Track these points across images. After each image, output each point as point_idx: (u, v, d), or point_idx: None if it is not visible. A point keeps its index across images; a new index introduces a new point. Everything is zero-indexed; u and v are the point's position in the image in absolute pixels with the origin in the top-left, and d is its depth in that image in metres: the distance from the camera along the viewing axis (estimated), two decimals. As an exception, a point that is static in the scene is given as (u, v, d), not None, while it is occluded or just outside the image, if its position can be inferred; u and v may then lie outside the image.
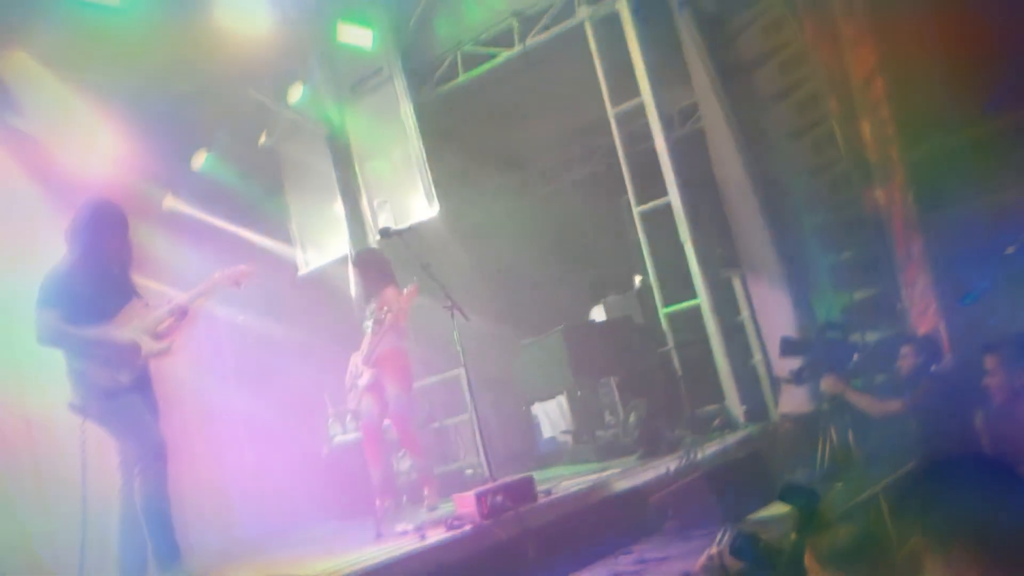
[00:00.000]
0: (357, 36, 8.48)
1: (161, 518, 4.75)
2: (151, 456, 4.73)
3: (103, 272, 4.93)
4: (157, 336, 4.97)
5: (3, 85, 7.08)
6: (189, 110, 8.29)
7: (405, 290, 6.44)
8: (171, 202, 8.73)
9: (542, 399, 8.46)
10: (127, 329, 4.86)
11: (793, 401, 6.96)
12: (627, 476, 6.29)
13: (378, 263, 6.75)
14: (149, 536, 4.73)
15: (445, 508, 6.10)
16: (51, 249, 5.18)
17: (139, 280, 5.32)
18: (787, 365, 6.28)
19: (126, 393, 4.76)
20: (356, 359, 6.69)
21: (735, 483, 5.72)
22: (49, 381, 5.21)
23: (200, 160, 8.54)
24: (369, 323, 6.57)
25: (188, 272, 8.35)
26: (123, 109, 7.67)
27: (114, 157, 7.74)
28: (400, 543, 5.24)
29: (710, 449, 6.71)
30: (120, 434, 4.79)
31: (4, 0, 6.46)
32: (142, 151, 7.87)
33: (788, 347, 6.24)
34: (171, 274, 7.87)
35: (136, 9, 6.78)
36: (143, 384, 4.92)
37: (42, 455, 6.98)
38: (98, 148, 7.75)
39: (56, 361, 4.82)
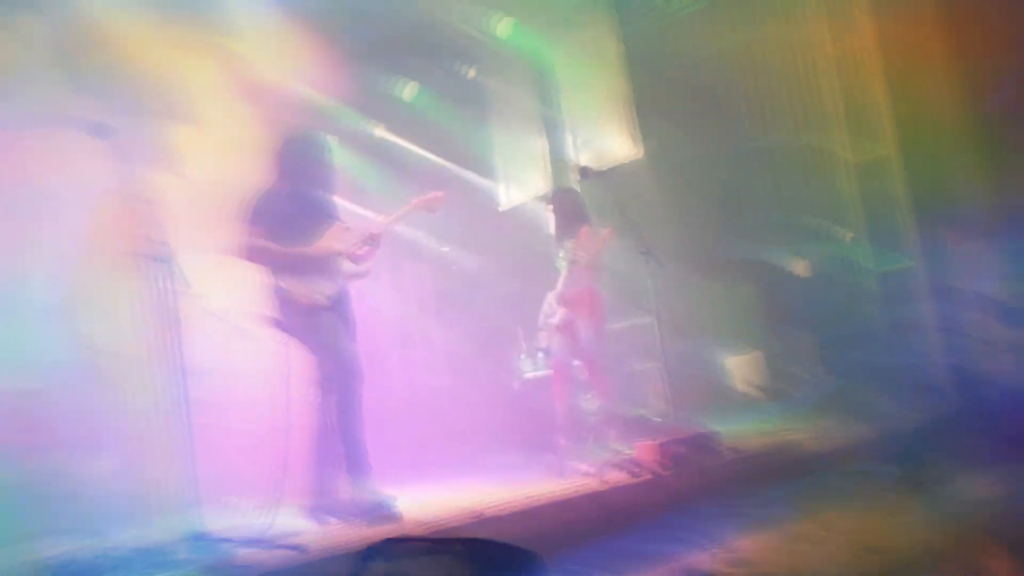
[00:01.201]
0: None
1: (355, 434, 4.92)
2: (348, 374, 4.89)
3: (305, 195, 5.09)
4: (355, 259, 5.10)
5: (220, 7, 7.41)
6: (403, 42, 8.43)
7: (602, 231, 6.39)
8: (381, 132, 8.95)
9: (735, 351, 8.22)
10: (330, 249, 5.02)
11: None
12: (819, 440, 6.01)
13: (573, 202, 6.71)
14: (343, 451, 4.90)
15: (628, 453, 5.99)
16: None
17: (342, 204, 5.45)
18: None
19: (325, 312, 4.93)
20: (550, 298, 6.69)
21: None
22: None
23: (410, 91, 8.67)
24: (563, 262, 6.55)
25: (392, 199, 8.62)
26: (338, 38, 7.89)
27: (325, 84, 8.01)
28: (580, 483, 5.24)
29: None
30: (319, 351, 4.96)
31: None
32: (354, 79, 8.10)
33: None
34: (375, 201, 8.11)
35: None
36: (342, 304, 5.07)
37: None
38: (310, 75, 8.03)
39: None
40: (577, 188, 7.37)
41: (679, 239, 8.68)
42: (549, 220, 6.89)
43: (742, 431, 6.88)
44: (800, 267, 8.71)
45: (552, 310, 6.65)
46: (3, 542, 5.62)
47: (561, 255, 6.65)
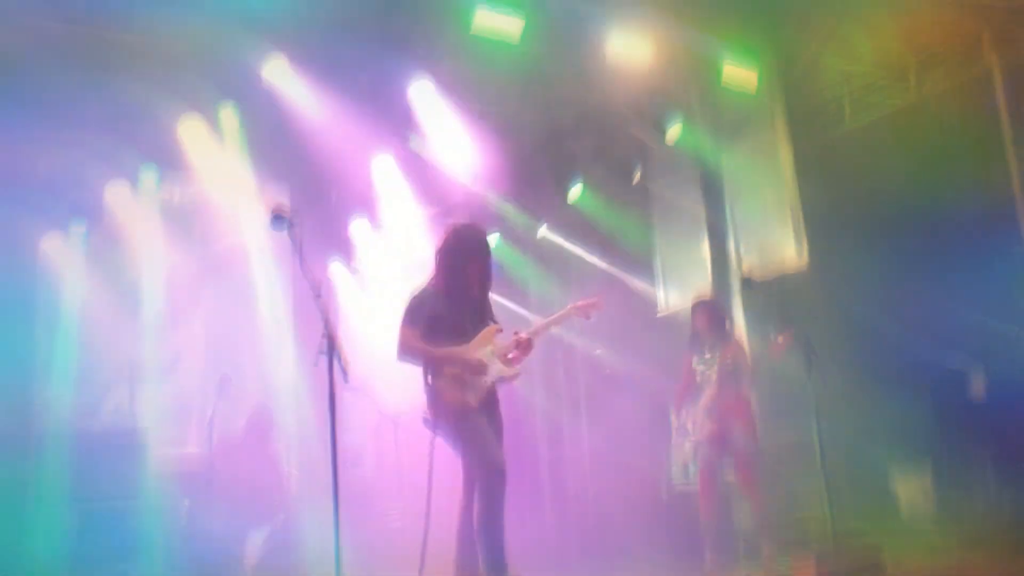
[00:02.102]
0: (741, 79, 8.32)
1: (495, 537, 4.87)
2: (492, 477, 4.86)
3: (463, 295, 5.16)
4: (506, 361, 5.13)
5: (410, 108, 7.76)
6: (570, 142, 8.60)
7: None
8: (544, 232, 9.08)
9: (901, 466, 7.77)
10: (479, 352, 5.06)
11: None
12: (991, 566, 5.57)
13: (716, 313, 6.70)
14: (482, 553, 4.86)
15: (782, 564, 5.94)
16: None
17: (501, 302, 5.51)
18: None
19: (474, 414, 4.95)
20: (698, 409, 6.59)
21: None
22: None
23: (575, 192, 8.79)
24: (707, 371, 6.46)
25: (551, 299, 8.70)
26: (510, 138, 8.12)
27: (497, 183, 8.24)
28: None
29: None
30: (465, 453, 4.98)
31: (415, 33, 7.04)
32: (522, 179, 8.30)
33: None
34: (534, 300, 8.24)
35: (532, 43, 7.13)
36: (490, 406, 5.08)
37: (405, 457, 7.58)
38: (482, 173, 8.29)
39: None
40: (717, 299, 7.29)
41: (845, 350, 8.37)
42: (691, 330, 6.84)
43: (909, 553, 6.47)
44: (977, 378, 8.21)
45: (700, 422, 6.53)
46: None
47: (703, 366, 6.57)
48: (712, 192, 8.96)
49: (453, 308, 5.10)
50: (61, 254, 7.82)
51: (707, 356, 6.60)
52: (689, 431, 6.67)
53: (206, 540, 7.28)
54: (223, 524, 7.53)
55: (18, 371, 6.99)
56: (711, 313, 6.78)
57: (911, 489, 7.77)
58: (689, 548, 7.10)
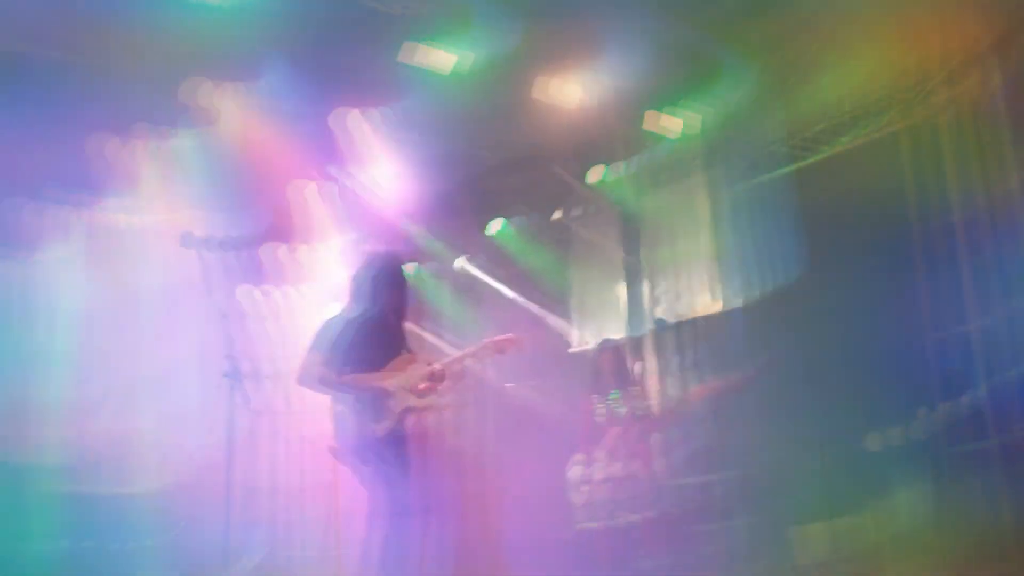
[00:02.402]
0: (665, 125, 8.48)
1: (399, 573, 4.79)
2: (396, 511, 4.80)
3: (379, 322, 5.10)
4: (418, 393, 5.08)
5: (333, 136, 7.71)
6: (493, 177, 8.64)
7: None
8: (462, 263, 9.09)
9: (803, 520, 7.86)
10: (388, 382, 4.97)
11: None
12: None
13: (620, 354, 6.98)
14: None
15: None
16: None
17: (417, 332, 5.46)
18: None
19: (381, 445, 4.87)
20: (599, 450, 6.66)
21: None
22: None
23: (496, 226, 8.82)
24: (612, 411, 6.54)
25: (466, 330, 8.67)
26: (433, 169, 8.12)
27: (417, 214, 8.21)
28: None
29: None
30: (370, 485, 4.91)
31: (344, 60, 7.00)
32: (443, 211, 8.30)
33: None
34: (450, 330, 8.19)
35: (462, 79, 7.14)
36: (399, 439, 4.97)
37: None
38: (407, 205, 8.26)
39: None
40: (651, 338, 7.39)
41: (757, 394, 8.50)
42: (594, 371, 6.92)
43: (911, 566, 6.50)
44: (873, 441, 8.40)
45: (603, 463, 6.59)
46: None
47: (608, 406, 6.65)
48: (630, 234, 9.09)
49: (366, 335, 5.02)
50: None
51: (611, 397, 6.67)
52: (590, 471, 6.72)
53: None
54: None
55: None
56: (616, 354, 6.90)
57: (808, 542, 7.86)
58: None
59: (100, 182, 7.46)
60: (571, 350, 9.29)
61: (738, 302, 8.31)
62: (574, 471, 6.94)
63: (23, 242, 7.65)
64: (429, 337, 7.22)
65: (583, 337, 9.29)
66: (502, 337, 5.38)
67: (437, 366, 5.15)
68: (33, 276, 7.72)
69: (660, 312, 8.46)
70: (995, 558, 5.77)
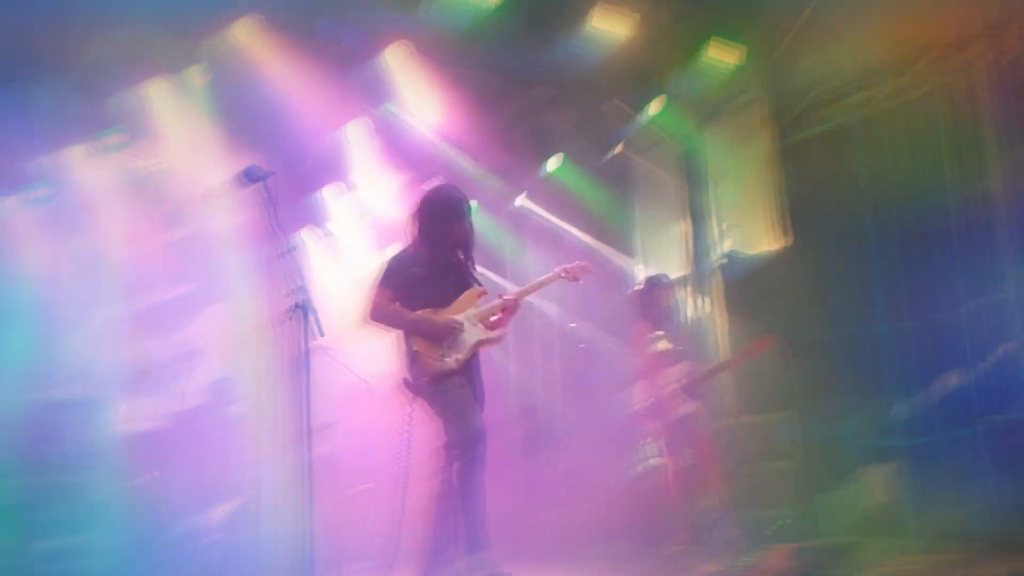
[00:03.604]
0: (726, 53, 8.20)
1: (475, 503, 4.73)
2: (471, 442, 4.72)
3: (443, 258, 5.01)
4: (488, 325, 4.98)
5: (386, 74, 7.55)
6: (552, 113, 8.43)
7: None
8: (522, 200, 8.94)
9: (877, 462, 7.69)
10: (460, 316, 4.91)
11: None
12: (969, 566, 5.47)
13: (673, 291, 6.89)
14: (462, 520, 4.72)
15: (746, 558, 5.87)
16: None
17: (480, 270, 5.35)
18: None
19: (453, 377, 4.80)
20: (657, 387, 6.54)
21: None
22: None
23: (555, 163, 8.63)
24: (668, 348, 6.51)
25: (526, 268, 8.56)
26: (490, 105, 7.94)
27: (474, 151, 8.06)
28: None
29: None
30: (444, 416, 4.83)
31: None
32: (501, 148, 8.13)
33: None
34: (512, 269, 8.07)
35: (514, 11, 6.96)
36: (471, 370, 4.93)
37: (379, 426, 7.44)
38: (464, 142, 8.11)
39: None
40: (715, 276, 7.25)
41: (823, 333, 8.28)
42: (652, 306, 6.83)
43: (882, 547, 6.40)
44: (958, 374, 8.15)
45: (676, 400, 6.47)
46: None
47: (663, 343, 6.55)
48: (694, 168, 8.86)
49: (433, 271, 4.94)
50: (20, 220, 7.54)
51: (664, 334, 6.59)
52: (650, 409, 6.63)
53: (168, 515, 7.08)
54: (185, 499, 7.33)
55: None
56: (671, 291, 6.82)
57: (886, 486, 7.69)
58: (654, 528, 7.03)
59: (155, 123, 7.39)
60: (636, 288, 9.14)
61: (805, 239, 8.09)
62: (632, 409, 6.84)
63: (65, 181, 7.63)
64: (490, 275, 7.10)
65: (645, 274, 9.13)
66: (574, 264, 5.26)
67: (510, 296, 5.05)
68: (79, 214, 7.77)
69: (727, 247, 8.25)
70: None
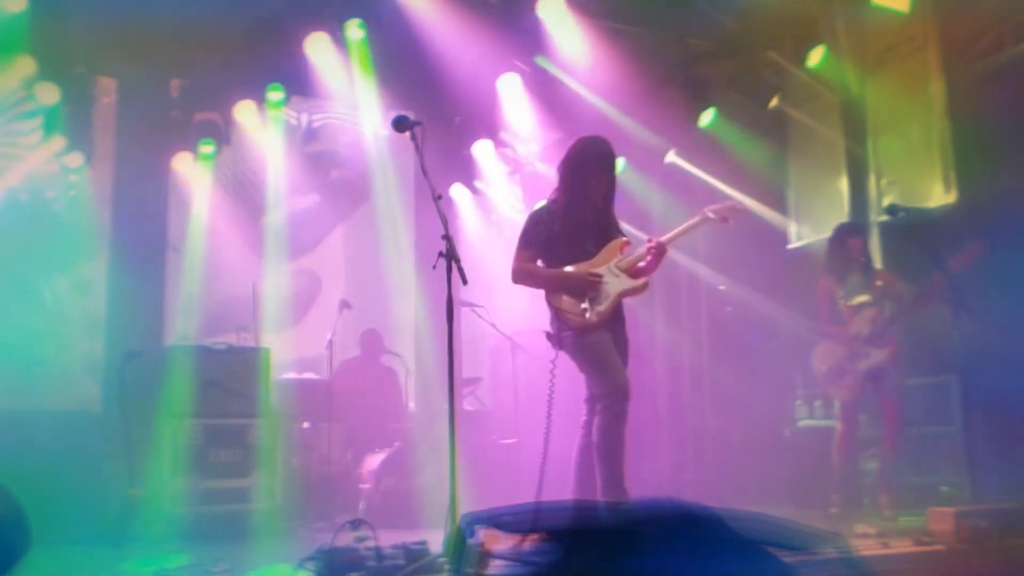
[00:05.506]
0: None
1: (614, 458, 4.72)
2: (614, 396, 4.70)
3: (586, 208, 4.96)
4: (634, 273, 4.92)
5: (539, 28, 7.52)
6: (705, 67, 8.21)
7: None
8: (672, 157, 8.78)
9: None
10: (601, 267, 4.87)
11: None
12: None
13: (866, 238, 6.63)
14: (600, 473, 4.73)
15: (902, 520, 5.72)
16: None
17: (624, 227, 5.28)
18: None
19: (598, 331, 4.77)
20: (852, 339, 6.26)
21: None
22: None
23: (707, 118, 8.42)
24: (859, 298, 6.17)
25: (676, 225, 8.41)
26: (642, 60, 7.81)
27: (625, 105, 7.95)
28: (858, 544, 4.76)
29: None
30: (588, 370, 4.83)
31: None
32: (652, 102, 7.99)
33: None
34: (660, 227, 7.92)
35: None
36: (615, 323, 4.90)
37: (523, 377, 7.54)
38: (615, 97, 8.01)
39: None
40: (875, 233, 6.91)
41: (995, 298, 7.84)
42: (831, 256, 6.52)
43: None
44: None
45: (859, 352, 6.20)
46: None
47: (853, 293, 6.26)
48: (854, 121, 8.48)
49: (571, 227, 4.91)
50: (191, 174, 7.90)
51: (855, 284, 6.29)
52: (830, 373, 6.38)
53: (323, 462, 7.39)
54: (340, 447, 7.63)
55: (147, 288, 7.14)
56: (863, 237, 6.52)
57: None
58: (811, 489, 6.85)
59: (315, 78, 7.59)
60: (789, 246, 8.87)
61: (973, 195, 7.64)
62: (817, 372, 6.61)
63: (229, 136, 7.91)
64: (637, 233, 7.01)
65: (801, 233, 8.83)
66: (723, 204, 5.12)
67: (657, 240, 4.95)
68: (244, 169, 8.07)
69: (887, 203, 7.87)
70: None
